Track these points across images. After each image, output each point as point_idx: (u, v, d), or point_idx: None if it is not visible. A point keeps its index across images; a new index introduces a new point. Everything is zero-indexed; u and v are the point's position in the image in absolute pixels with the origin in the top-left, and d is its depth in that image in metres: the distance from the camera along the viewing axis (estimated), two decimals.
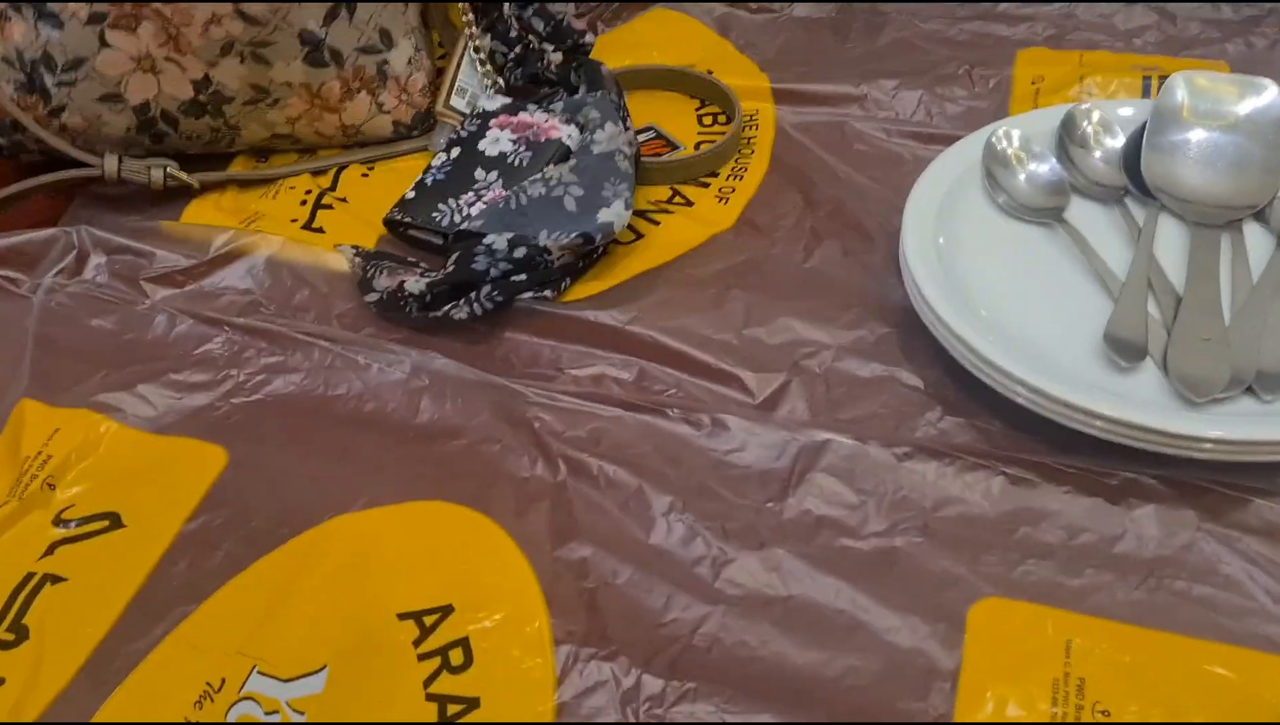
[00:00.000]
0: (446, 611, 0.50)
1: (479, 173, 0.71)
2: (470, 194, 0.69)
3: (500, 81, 0.77)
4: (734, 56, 0.83)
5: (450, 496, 0.54)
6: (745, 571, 0.50)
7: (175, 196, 0.74)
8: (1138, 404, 0.52)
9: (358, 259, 0.66)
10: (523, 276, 0.63)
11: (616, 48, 0.84)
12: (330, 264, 0.68)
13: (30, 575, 0.52)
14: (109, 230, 0.69)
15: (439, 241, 0.69)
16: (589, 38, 0.77)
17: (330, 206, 0.73)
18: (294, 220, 0.72)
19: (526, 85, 0.77)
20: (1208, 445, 0.51)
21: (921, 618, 0.48)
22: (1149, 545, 0.50)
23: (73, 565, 0.53)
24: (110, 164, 0.71)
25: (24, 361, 0.61)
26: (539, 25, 0.76)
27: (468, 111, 0.76)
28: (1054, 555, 0.50)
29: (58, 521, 0.54)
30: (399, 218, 0.69)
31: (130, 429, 0.58)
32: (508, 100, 0.75)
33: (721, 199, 0.72)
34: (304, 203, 0.74)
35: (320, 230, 0.71)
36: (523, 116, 0.73)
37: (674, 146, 0.76)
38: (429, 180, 0.71)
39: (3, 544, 0.53)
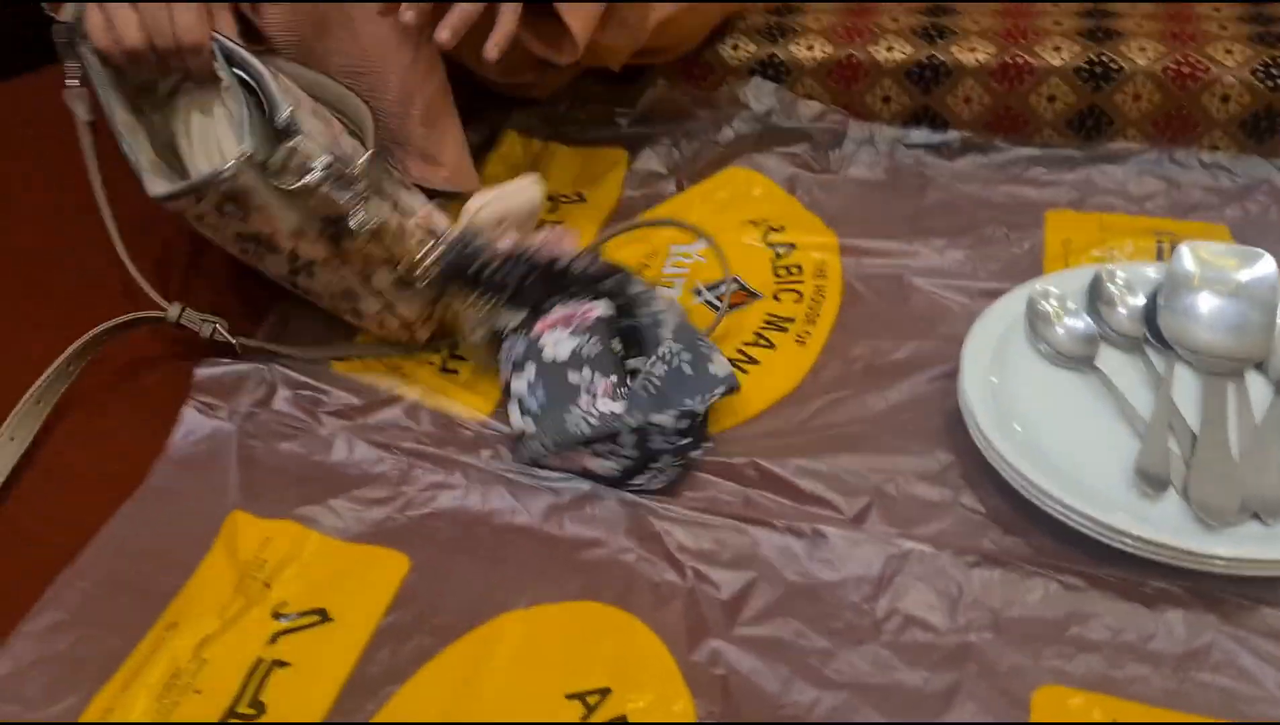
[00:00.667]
0: (605, 693, 0.61)
1: (573, 376, 0.73)
2: (586, 396, 0.72)
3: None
4: (802, 212, 0.96)
5: (598, 596, 0.66)
6: (848, 662, 0.62)
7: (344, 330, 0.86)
8: (1163, 526, 0.64)
9: (537, 444, 0.73)
10: (689, 440, 0.72)
11: (702, 201, 0.97)
12: (462, 413, 0.80)
13: (260, 660, 0.64)
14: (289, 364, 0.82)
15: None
16: (565, 261, 0.79)
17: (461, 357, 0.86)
18: (431, 362, 0.85)
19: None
20: (1219, 562, 0.63)
21: (994, 702, 0.60)
22: (1178, 643, 0.62)
23: (294, 652, 0.64)
24: (173, 312, 0.79)
25: (230, 477, 0.73)
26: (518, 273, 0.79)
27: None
28: (1100, 650, 0.62)
29: (276, 614, 0.66)
30: (548, 448, 0.72)
31: (327, 538, 0.70)
32: (523, 312, 0.79)
33: (800, 341, 0.84)
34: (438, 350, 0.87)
35: (455, 372, 0.84)
36: (554, 314, 0.77)
37: (753, 296, 0.89)
38: (533, 405, 0.73)
39: (234, 633, 0.65)
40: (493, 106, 1.09)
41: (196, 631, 0.65)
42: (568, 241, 0.80)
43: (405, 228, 0.79)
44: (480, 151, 1.06)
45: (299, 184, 0.73)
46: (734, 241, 0.93)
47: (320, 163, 0.73)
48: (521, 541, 0.70)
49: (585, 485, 0.72)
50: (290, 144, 0.72)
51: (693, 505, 0.71)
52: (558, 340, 0.75)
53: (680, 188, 0.99)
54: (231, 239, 0.76)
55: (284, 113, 0.73)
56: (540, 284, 0.78)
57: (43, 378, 0.78)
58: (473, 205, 0.84)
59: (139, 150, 0.76)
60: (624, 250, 0.93)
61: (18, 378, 0.78)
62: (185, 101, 0.81)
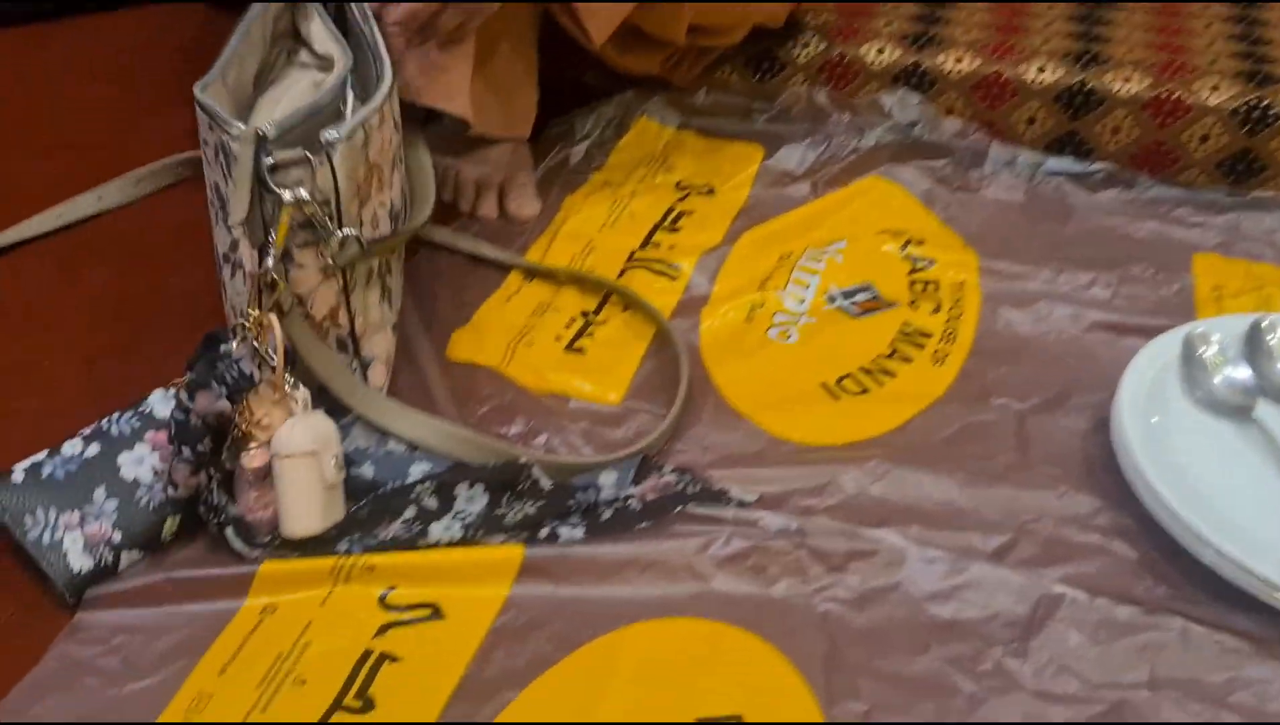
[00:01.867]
0: (737, 721, 0.59)
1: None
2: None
3: None
4: (939, 228, 0.94)
5: (727, 616, 0.64)
6: (994, 710, 0.59)
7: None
8: None
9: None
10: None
11: (837, 207, 0.95)
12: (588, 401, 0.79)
13: (369, 652, 0.62)
14: None
15: None
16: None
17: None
18: (559, 337, 0.84)
19: None
20: None
21: None
22: None
23: (404, 647, 0.63)
24: None
25: None
26: None
27: None
28: (1264, 717, 0.59)
29: (385, 604, 0.65)
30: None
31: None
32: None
33: (937, 360, 0.82)
34: (568, 326, 0.85)
35: (580, 351, 0.83)
36: None
37: (889, 305, 0.86)
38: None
39: (339, 619, 0.64)
40: (626, 89, 1.07)
41: (298, 613, 0.64)
42: (261, 512, 0.69)
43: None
44: (611, 135, 1.05)
45: (275, 192, 0.67)
46: (870, 249, 0.91)
47: (301, 192, 0.67)
48: (647, 548, 0.68)
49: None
50: (302, 154, 0.66)
51: (827, 527, 0.69)
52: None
53: (815, 193, 0.97)
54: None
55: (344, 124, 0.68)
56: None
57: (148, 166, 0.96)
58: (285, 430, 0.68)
59: None
60: (752, 256, 0.91)
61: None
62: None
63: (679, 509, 0.69)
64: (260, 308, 0.67)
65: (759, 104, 1.05)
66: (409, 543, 0.68)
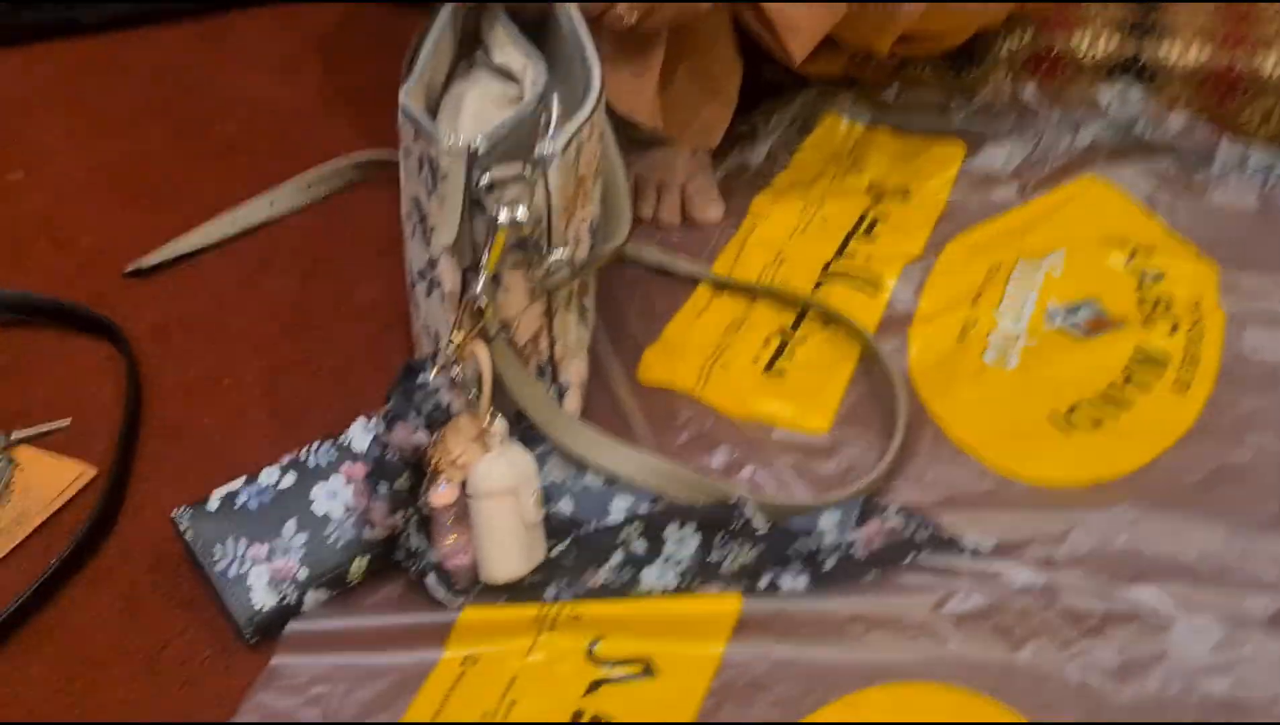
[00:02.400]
0: None
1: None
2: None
3: None
4: (1166, 236, 0.85)
5: (969, 681, 0.58)
6: None
7: None
8: None
9: None
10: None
11: (1048, 213, 0.87)
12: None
13: (580, 713, 0.58)
14: None
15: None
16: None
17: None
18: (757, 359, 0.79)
19: None
20: None
21: None
22: None
23: (617, 707, 0.58)
24: None
25: None
26: None
27: None
28: None
29: (593, 657, 0.60)
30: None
31: None
32: None
33: (1179, 388, 0.74)
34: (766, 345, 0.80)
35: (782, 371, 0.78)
36: None
37: (1117, 324, 0.79)
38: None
39: (546, 674, 0.60)
40: (808, 85, 1.00)
41: (502, 666, 0.60)
42: (460, 557, 0.64)
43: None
44: (794, 135, 0.98)
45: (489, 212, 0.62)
46: (1092, 260, 0.83)
47: (518, 212, 0.62)
48: (876, 603, 0.62)
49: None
50: (520, 172, 0.62)
51: (1077, 584, 0.62)
52: None
53: (1023, 195, 0.89)
54: None
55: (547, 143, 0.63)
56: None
57: (318, 168, 0.94)
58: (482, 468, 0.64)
59: None
60: (959, 268, 0.84)
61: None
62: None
63: (909, 560, 0.64)
64: (466, 334, 0.63)
65: (957, 100, 0.97)
66: (620, 591, 0.63)
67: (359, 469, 0.66)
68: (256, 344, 0.84)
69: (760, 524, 0.64)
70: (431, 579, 0.63)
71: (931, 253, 0.86)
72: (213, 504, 0.67)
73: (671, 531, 0.65)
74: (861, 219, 0.90)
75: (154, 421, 0.78)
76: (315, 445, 0.68)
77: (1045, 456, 0.70)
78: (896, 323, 0.81)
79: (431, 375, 0.63)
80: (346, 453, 0.67)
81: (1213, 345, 0.76)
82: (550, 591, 0.63)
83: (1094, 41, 0.94)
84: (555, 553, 0.65)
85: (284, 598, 0.64)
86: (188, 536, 0.67)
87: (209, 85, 1.08)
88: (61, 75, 1.10)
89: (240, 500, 0.67)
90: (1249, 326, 0.77)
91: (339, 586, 0.65)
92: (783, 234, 0.89)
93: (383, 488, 0.63)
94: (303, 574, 0.65)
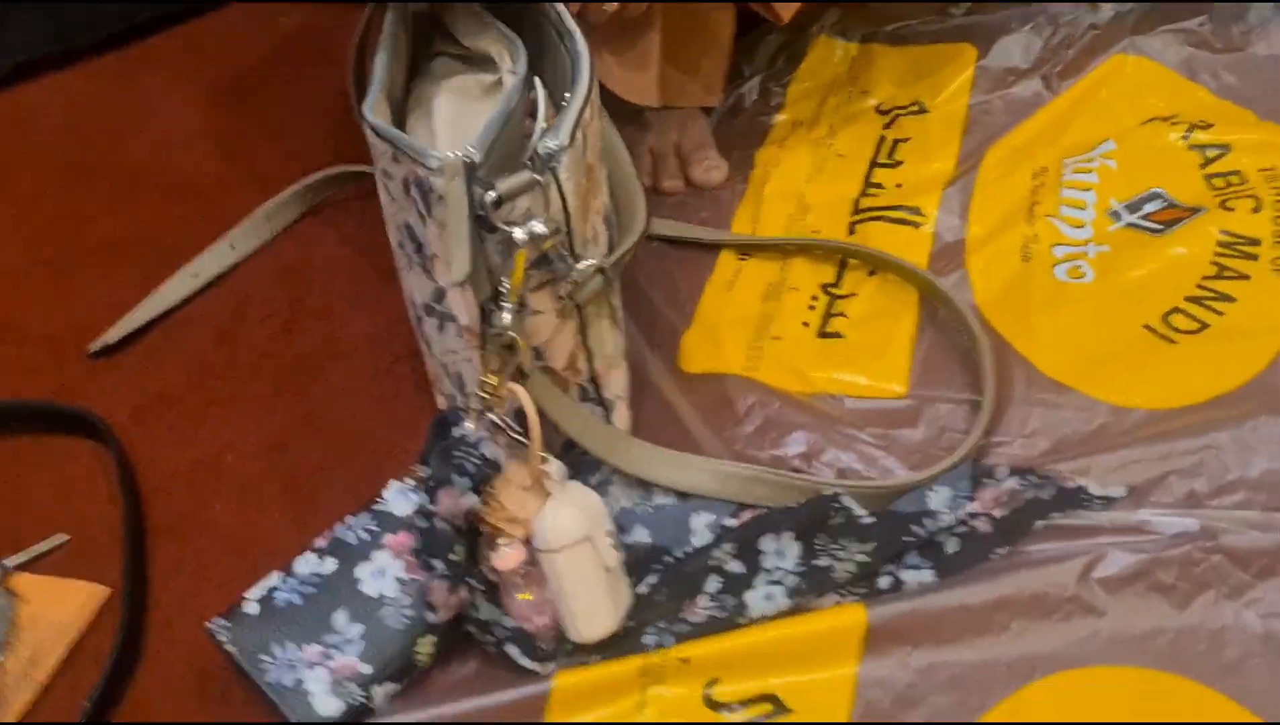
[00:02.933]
0: None
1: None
2: None
3: None
4: (1217, 104, 0.77)
5: (1145, 661, 0.51)
6: None
7: None
8: None
9: None
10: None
11: (1081, 103, 0.79)
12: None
13: None
14: None
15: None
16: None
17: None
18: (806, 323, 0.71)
19: None
20: None
21: None
22: None
23: None
24: None
25: None
26: None
27: None
28: None
29: (713, 703, 0.53)
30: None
31: None
32: None
33: (1278, 270, 0.67)
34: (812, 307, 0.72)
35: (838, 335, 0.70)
36: None
37: (1193, 211, 0.71)
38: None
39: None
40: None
41: None
42: (538, 617, 0.57)
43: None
44: (785, 64, 0.90)
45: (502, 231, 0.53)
46: (1144, 144, 0.76)
47: (536, 225, 0.53)
48: (1014, 582, 0.54)
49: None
50: (531, 177, 0.53)
51: (1235, 519, 0.54)
52: None
53: (1050, 88, 0.81)
54: None
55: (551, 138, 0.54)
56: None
57: (275, 198, 0.85)
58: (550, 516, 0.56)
59: None
60: (1002, 180, 0.76)
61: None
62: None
63: (1039, 524, 0.56)
64: (499, 376, 0.54)
65: None
66: (727, 622, 0.56)
67: (404, 539, 0.58)
68: (250, 409, 0.75)
69: (863, 515, 0.57)
70: (513, 648, 0.56)
71: (968, 168, 0.78)
72: (251, 607, 0.59)
73: (767, 543, 0.57)
74: (879, 145, 0.82)
75: (159, 519, 0.69)
76: (350, 519, 0.60)
77: (1154, 375, 0.63)
78: (950, 253, 0.73)
79: (468, 427, 0.55)
80: (387, 521, 0.59)
81: None
82: (649, 638, 0.56)
83: None
84: (644, 590, 0.57)
85: (351, 699, 0.56)
86: (230, 649, 0.58)
87: (130, 127, 0.97)
88: None
89: (281, 597, 0.59)
90: None
91: (409, 674, 0.57)
92: (799, 179, 0.80)
93: (438, 565, 0.55)
94: (366, 669, 0.57)
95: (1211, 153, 0.74)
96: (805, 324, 0.71)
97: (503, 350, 0.54)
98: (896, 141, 0.81)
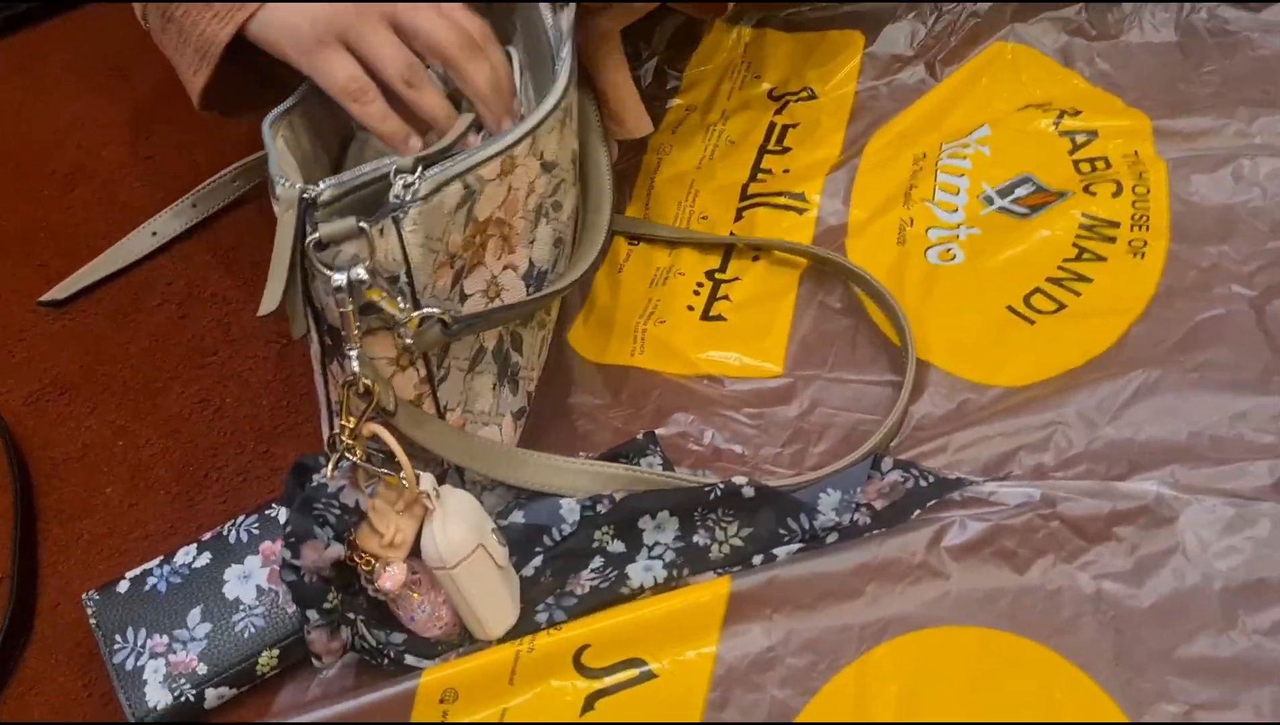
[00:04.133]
0: None
1: None
2: None
3: None
4: (1090, 90, 0.80)
5: (985, 621, 0.54)
6: None
7: None
8: None
9: None
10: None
11: (963, 89, 0.82)
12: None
13: None
14: None
15: None
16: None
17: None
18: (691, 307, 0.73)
19: None
20: None
21: None
22: None
23: (618, 718, 0.54)
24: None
25: None
26: None
27: None
28: None
29: (582, 668, 0.55)
30: None
31: None
32: None
33: (1135, 252, 0.70)
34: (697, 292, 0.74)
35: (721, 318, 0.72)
36: None
37: (1059, 196, 0.74)
38: None
39: (537, 702, 0.54)
40: None
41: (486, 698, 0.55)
42: (436, 624, 0.58)
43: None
44: (679, 50, 0.91)
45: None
46: (1018, 130, 0.78)
47: (358, 273, 0.52)
48: (868, 553, 0.57)
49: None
50: (353, 225, 0.52)
51: (1072, 488, 0.57)
52: None
53: (934, 75, 0.84)
54: None
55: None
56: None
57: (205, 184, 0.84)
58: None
59: None
60: (884, 165, 0.78)
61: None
62: None
63: (917, 514, 0.59)
64: (356, 420, 0.54)
65: None
66: (610, 592, 0.58)
67: (278, 546, 0.59)
68: (145, 393, 0.76)
69: (747, 489, 0.59)
70: (412, 658, 0.57)
71: (851, 154, 0.80)
72: (123, 585, 0.61)
73: (645, 523, 0.59)
74: (770, 131, 0.84)
75: (51, 503, 0.71)
76: (242, 519, 0.62)
77: (1013, 354, 0.66)
78: (831, 237, 0.75)
79: (328, 474, 0.55)
80: (270, 525, 0.61)
81: (1160, 199, 0.72)
82: (541, 615, 0.58)
83: None
84: (529, 573, 0.59)
85: (180, 695, 0.59)
86: (93, 623, 0.60)
87: (33, 117, 0.96)
88: None
89: (150, 582, 0.61)
90: (1193, 171, 0.72)
91: (247, 681, 0.60)
92: (689, 165, 0.82)
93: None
94: (202, 669, 0.59)
95: (1080, 139, 0.77)
96: (690, 308, 0.73)
97: (359, 394, 0.54)
98: (786, 127, 0.84)
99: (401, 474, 0.54)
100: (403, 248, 0.54)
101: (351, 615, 0.56)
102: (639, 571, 0.58)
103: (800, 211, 0.77)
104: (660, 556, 0.59)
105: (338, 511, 0.55)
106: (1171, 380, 0.62)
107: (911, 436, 0.63)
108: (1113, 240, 0.70)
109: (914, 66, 0.85)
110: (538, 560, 0.59)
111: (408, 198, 0.53)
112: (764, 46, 0.90)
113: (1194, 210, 0.71)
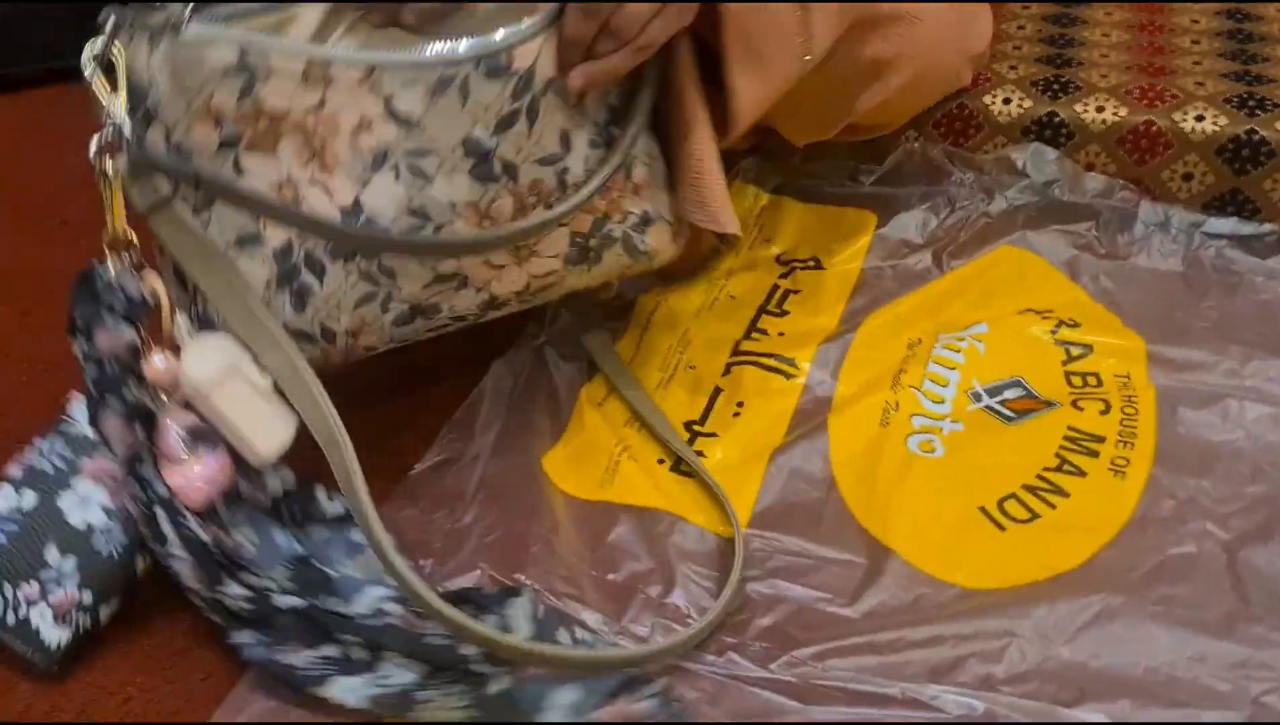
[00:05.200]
0: None
1: None
2: None
3: None
4: (1092, 305, 0.81)
5: None
6: None
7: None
8: None
9: None
10: None
11: (969, 282, 0.82)
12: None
13: None
14: None
15: None
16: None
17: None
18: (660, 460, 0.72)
19: None
20: None
21: None
22: None
23: None
24: None
25: None
26: None
27: None
28: None
29: None
30: None
31: None
32: None
33: (1116, 471, 0.69)
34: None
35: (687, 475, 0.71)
36: None
37: (1047, 405, 0.74)
38: None
39: None
40: None
41: None
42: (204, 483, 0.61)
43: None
44: None
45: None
46: (1015, 333, 0.78)
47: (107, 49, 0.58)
48: None
49: None
50: None
51: (1017, 707, 0.55)
52: None
53: (940, 265, 0.85)
54: None
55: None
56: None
57: None
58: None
59: None
60: (878, 344, 0.78)
61: None
62: None
63: None
64: (114, 216, 0.58)
65: (865, 164, 0.93)
66: (304, 681, 0.58)
67: (102, 464, 0.61)
68: None
69: (495, 684, 0.57)
70: (161, 513, 0.58)
71: (848, 329, 0.80)
72: None
73: (392, 656, 0.58)
74: (772, 292, 0.84)
75: None
76: (41, 444, 0.62)
77: (978, 556, 0.64)
78: (815, 408, 0.74)
79: (110, 270, 0.59)
80: (80, 444, 0.61)
81: (1147, 423, 0.71)
82: (249, 641, 0.59)
83: (1007, 101, 0.90)
84: (287, 607, 0.59)
85: (77, 626, 0.61)
86: None
87: (50, 160, 0.98)
88: None
89: None
90: (1181, 402, 0.72)
91: (132, 590, 0.63)
92: (687, 313, 0.82)
93: (112, 402, 0.58)
94: (87, 597, 0.61)
95: (1075, 351, 0.77)
96: (660, 461, 0.72)
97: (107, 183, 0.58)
98: (788, 292, 0.84)
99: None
100: (149, 70, 0.57)
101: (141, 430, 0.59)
102: (345, 686, 0.58)
103: (788, 376, 0.77)
104: (380, 684, 0.58)
105: (124, 300, 0.58)
106: (1134, 610, 0.60)
107: (865, 623, 0.61)
108: (1095, 455, 0.70)
109: (921, 254, 0.86)
110: (302, 604, 0.59)
111: (170, 24, 0.57)
112: (779, 212, 0.91)
113: (1179, 441, 0.70)
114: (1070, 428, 0.71)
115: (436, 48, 0.60)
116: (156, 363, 0.59)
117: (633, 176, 0.68)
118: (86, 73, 0.57)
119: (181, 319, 0.59)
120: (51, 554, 0.60)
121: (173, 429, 0.59)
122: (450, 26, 0.60)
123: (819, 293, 0.84)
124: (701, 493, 0.70)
